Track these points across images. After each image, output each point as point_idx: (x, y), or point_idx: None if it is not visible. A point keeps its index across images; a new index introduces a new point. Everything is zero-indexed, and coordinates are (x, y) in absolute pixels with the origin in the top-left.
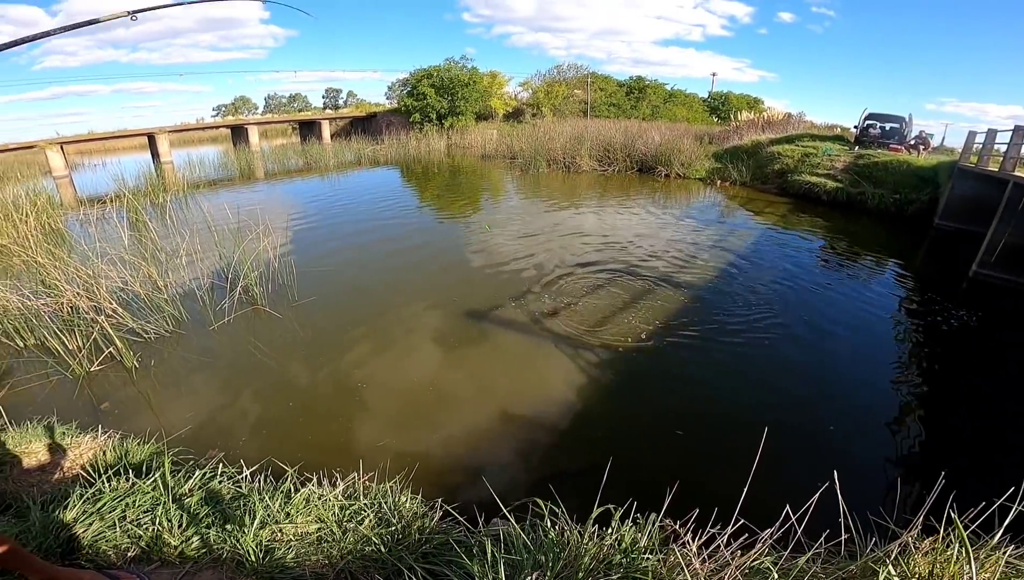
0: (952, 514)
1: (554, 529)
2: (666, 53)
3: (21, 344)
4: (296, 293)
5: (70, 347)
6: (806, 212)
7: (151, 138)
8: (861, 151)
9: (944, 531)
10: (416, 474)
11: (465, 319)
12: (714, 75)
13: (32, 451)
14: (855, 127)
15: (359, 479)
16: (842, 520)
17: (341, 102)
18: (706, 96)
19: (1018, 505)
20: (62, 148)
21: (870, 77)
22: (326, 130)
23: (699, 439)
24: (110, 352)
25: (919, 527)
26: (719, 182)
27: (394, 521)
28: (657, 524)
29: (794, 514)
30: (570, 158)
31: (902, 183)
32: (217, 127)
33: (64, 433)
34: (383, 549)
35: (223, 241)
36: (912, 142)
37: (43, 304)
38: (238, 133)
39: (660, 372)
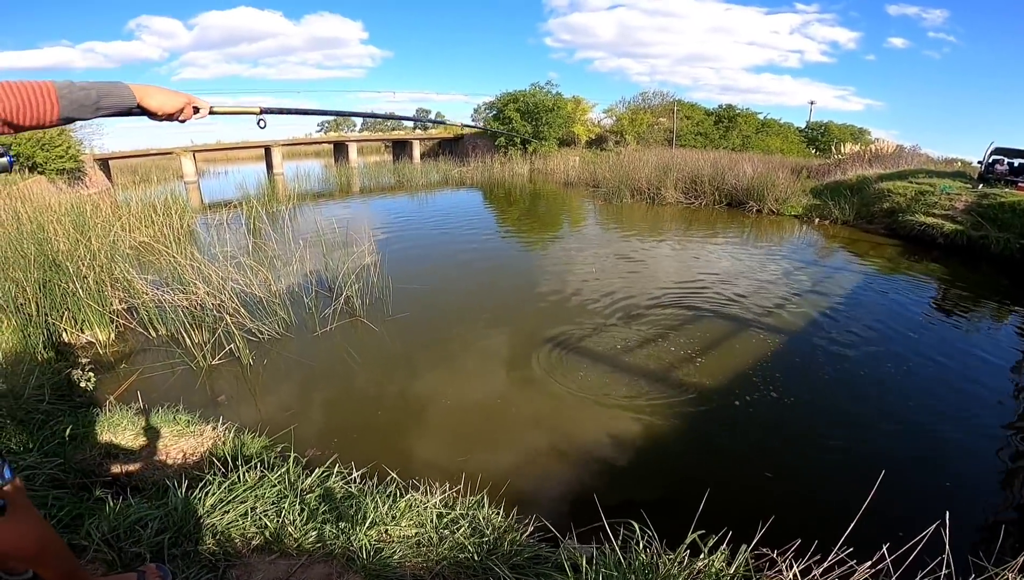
0: None
1: (644, 552)
2: (758, 80)
3: (154, 334)
4: (391, 307)
5: (196, 341)
6: (918, 256)
7: (267, 150)
8: (986, 189)
9: None
10: (500, 490)
11: (543, 345)
12: (812, 103)
13: (163, 436)
14: (979, 162)
15: (452, 490)
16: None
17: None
18: (803, 126)
19: None
20: (194, 155)
21: (995, 107)
22: (416, 150)
23: (793, 482)
24: (230, 349)
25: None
26: (817, 220)
27: (487, 532)
28: (748, 553)
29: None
30: (655, 189)
31: None
32: (322, 142)
33: (189, 421)
34: (476, 557)
35: (329, 252)
36: None
37: (177, 299)
38: (339, 149)
39: (743, 415)
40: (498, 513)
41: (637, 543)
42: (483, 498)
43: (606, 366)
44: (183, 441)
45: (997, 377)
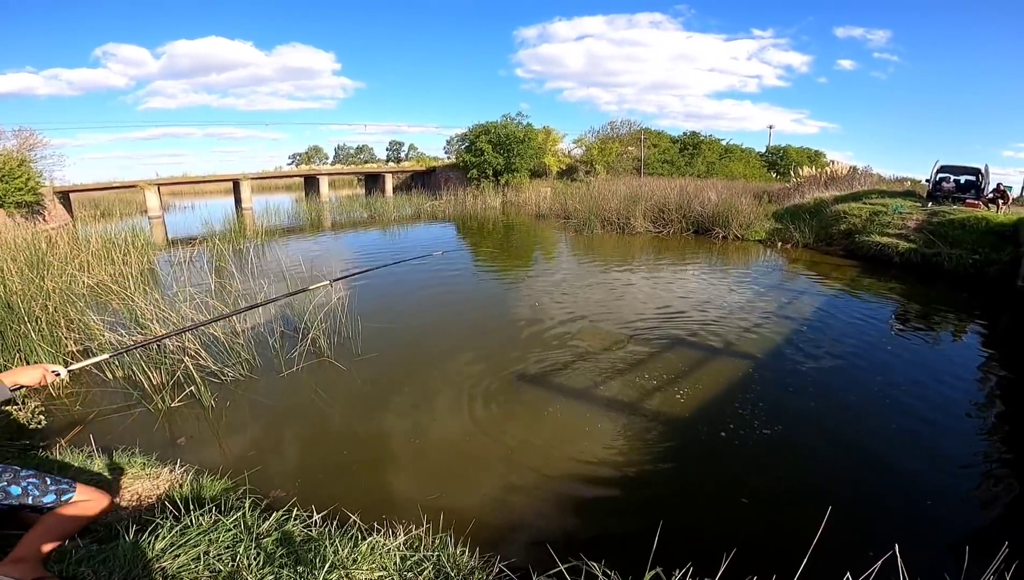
0: None
1: None
2: (720, 106)
3: (111, 376)
4: (359, 347)
5: (155, 383)
6: (877, 276)
7: (236, 184)
8: (935, 207)
9: None
10: (468, 529)
11: (515, 380)
12: (771, 128)
13: (116, 480)
14: (927, 181)
15: (416, 531)
16: None
17: (403, 155)
18: (763, 150)
19: None
20: (159, 189)
21: (940, 125)
22: (389, 183)
23: (760, 510)
24: (191, 391)
25: None
26: (780, 244)
27: (452, 574)
28: None
29: None
30: (624, 219)
31: (981, 242)
32: (292, 176)
33: (144, 464)
34: None
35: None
36: (990, 196)
37: (134, 341)
38: (310, 182)
39: (715, 441)
40: (463, 553)
41: None
42: (448, 538)
43: (579, 399)
44: (137, 483)
45: (962, 392)
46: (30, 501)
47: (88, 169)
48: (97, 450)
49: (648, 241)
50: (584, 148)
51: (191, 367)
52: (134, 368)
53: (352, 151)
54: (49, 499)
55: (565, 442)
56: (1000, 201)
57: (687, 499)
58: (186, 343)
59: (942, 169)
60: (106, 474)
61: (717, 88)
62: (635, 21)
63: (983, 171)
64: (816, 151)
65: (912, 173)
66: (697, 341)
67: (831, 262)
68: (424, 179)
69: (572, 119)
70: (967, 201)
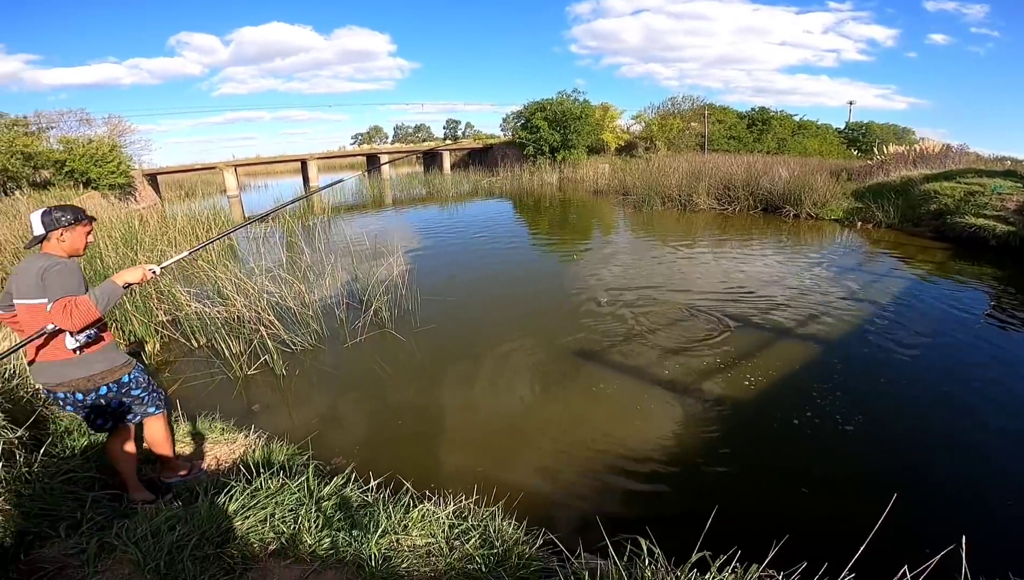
0: None
1: (650, 568)
2: (793, 81)
3: (195, 345)
4: (418, 319)
5: (234, 351)
6: (969, 259)
7: (303, 163)
8: None
9: None
10: (515, 502)
11: (568, 358)
12: (851, 104)
13: (199, 444)
14: None
15: (465, 501)
16: None
17: (460, 133)
18: (842, 127)
19: None
20: (236, 170)
21: None
22: (447, 161)
23: (822, 500)
24: (265, 359)
25: None
26: (859, 224)
27: (497, 544)
28: (758, 573)
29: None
30: (686, 196)
31: None
32: (355, 155)
33: (223, 429)
34: (483, 569)
35: (359, 265)
36: None
37: (217, 311)
38: (372, 161)
39: (781, 429)
40: (510, 525)
41: (643, 560)
42: (496, 510)
43: (634, 378)
44: (216, 448)
45: None
46: (144, 408)
47: (171, 153)
48: (183, 415)
49: (711, 218)
50: (644, 124)
51: (266, 337)
52: (216, 337)
53: (410, 130)
54: (153, 409)
55: (617, 421)
56: None
57: (742, 485)
58: (262, 313)
59: None
60: (190, 439)
61: (789, 62)
62: None
63: None
64: (904, 128)
65: (1015, 152)
66: (765, 323)
67: (917, 244)
68: (481, 156)
69: (631, 95)
70: None
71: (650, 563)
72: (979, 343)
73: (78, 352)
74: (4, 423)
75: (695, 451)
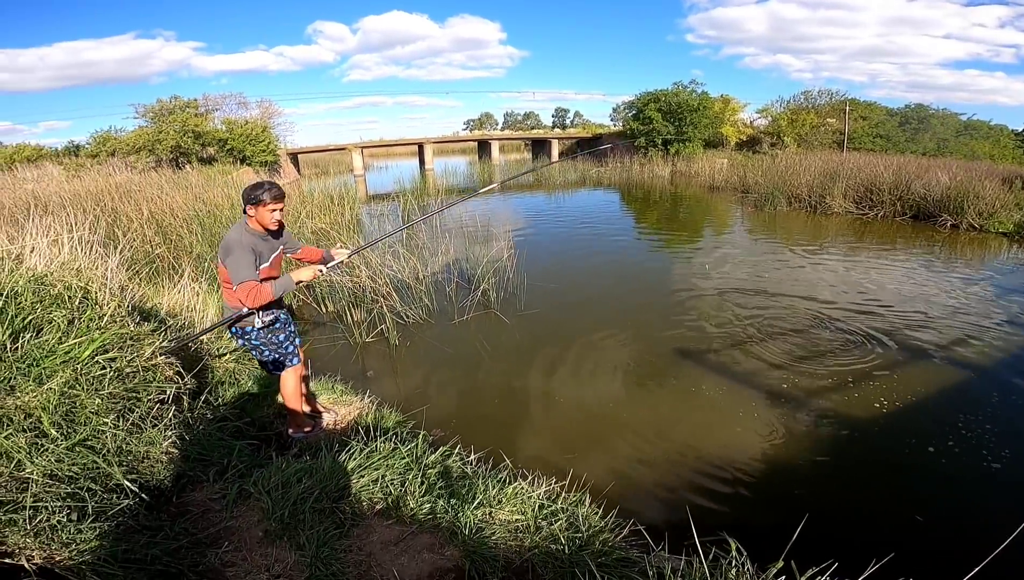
0: None
1: (734, 570)
2: (960, 77)
3: (324, 310)
4: (523, 303)
5: (355, 319)
6: None
7: (420, 147)
8: None
9: None
10: (604, 491)
11: (671, 354)
12: None
13: (322, 402)
14: None
15: (556, 484)
16: None
17: (568, 121)
18: (1020, 129)
19: None
20: (362, 151)
21: None
22: (555, 148)
23: (937, 529)
24: (381, 329)
25: None
26: None
27: (582, 529)
28: None
29: None
30: (818, 197)
31: None
32: (467, 140)
33: (343, 391)
34: (567, 551)
35: (470, 246)
36: None
37: (344, 281)
38: (483, 146)
39: (908, 456)
40: (596, 513)
41: (730, 562)
42: (584, 496)
43: (738, 383)
44: (336, 407)
45: None
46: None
47: (308, 134)
48: (311, 375)
49: (847, 223)
50: (770, 119)
51: (384, 308)
52: (343, 305)
53: (519, 117)
54: (292, 361)
55: (716, 423)
56: None
57: (849, 504)
58: (381, 285)
59: None
60: (316, 396)
61: (955, 56)
62: None
63: None
64: None
65: None
66: (903, 342)
67: None
68: (589, 146)
69: (755, 88)
70: None
71: (736, 565)
72: None
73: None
74: (178, 370)
75: (799, 466)
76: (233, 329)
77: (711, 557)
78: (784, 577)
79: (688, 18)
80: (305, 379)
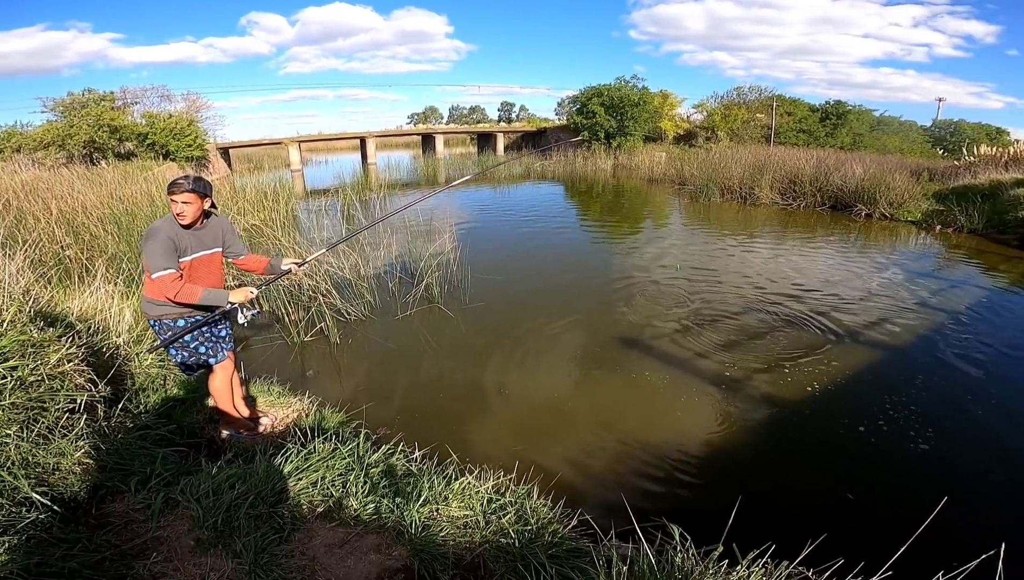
0: None
1: (680, 556)
2: (876, 75)
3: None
4: (468, 297)
5: (293, 318)
6: None
7: (362, 141)
8: None
9: None
10: (551, 483)
11: (612, 344)
12: (941, 100)
13: (257, 405)
14: None
15: (504, 478)
16: None
17: (514, 115)
18: (928, 125)
19: None
20: (299, 145)
21: None
22: (500, 142)
23: (866, 507)
24: (321, 327)
25: None
26: (938, 227)
27: (531, 521)
28: (788, 570)
29: None
30: (747, 188)
31: None
32: (411, 134)
33: (280, 393)
34: (517, 544)
35: (413, 240)
36: None
37: (280, 280)
38: (427, 141)
39: (836, 437)
40: (545, 504)
41: (674, 547)
42: (532, 488)
43: (679, 370)
44: (273, 410)
45: None
46: (208, 360)
47: (241, 129)
48: (244, 377)
49: (773, 213)
50: (705, 113)
51: (323, 305)
52: (277, 303)
53: (465, 111)
54: (217, 358)
55: (659, 410)
56: None
57: (785, 485)
58: (320, 282)
59: None
60: (251, 399)
61: (872, 55)
62: None
63: None
64: (998, 128)
65: None
66: (829, 324)
67: (1001, 252)
68: (534, 140)
69: (692, 84)
70: None
71: (680, 551)
72: None
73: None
74: (90, 377)
75: (738, 449)
76: (154, 323)
77: (657, 544)
78: (727, 561)
79: (632, 14)
80: (243, 382)
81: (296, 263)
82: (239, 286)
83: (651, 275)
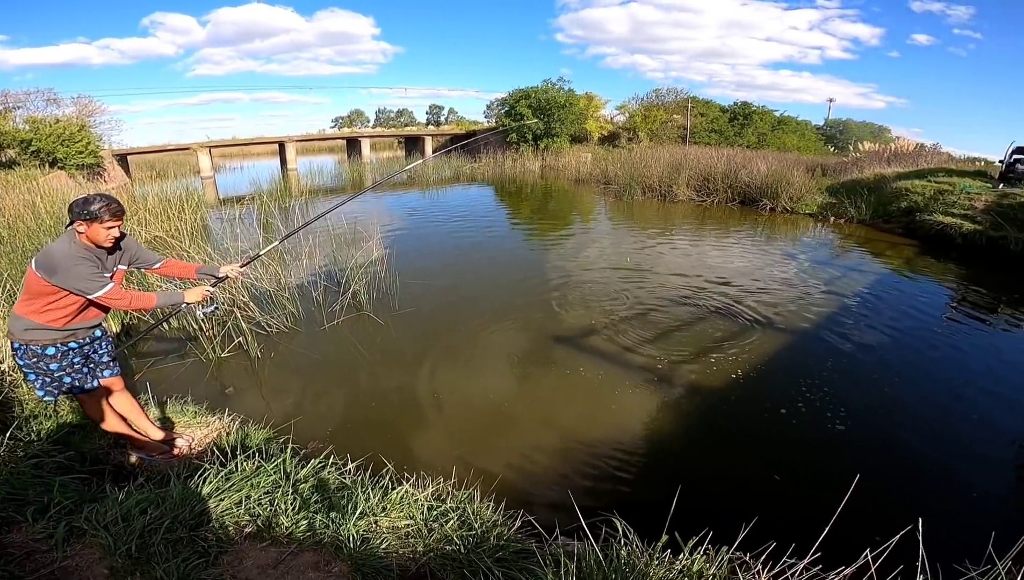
0: None
1: (625, 549)
2: (775, 77)
3: (167, 327)
4: (398, 303)
5: (207, 334)
6: (936, 257)
7: (281, 146)
8: (1006, 189)
9: None
10: (493, 485)
11: (546, 342)
12: (831, 101)
13: (170, 428)
14: (1000, 162)
15: (445, 484)
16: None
17: (443, 118)
18: (821, 124)
19: None
20: (210, 151)
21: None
22: (428, 145)
23: (792, 486)
24: (239, 342)
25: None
26: (832, 219)
27: (475, 526)
28: (728, 555)
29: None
30: (666, 186)
31: None
32: (335, 138)
33: (196, 412)
34: (462, 550)
35: (338, 248)
36: None
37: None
38: (352, 145)
39: (750, 414)
40: (488, 507)
41: (619, 541)
42: (475, 492)
43: (612, 364)
44: (189, 431)
45: (1015, 384)
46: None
47: (144, 134)
48: (153, 398)
49: (690, 209)
50: (627, 115)
51: (240, 319)
52: (188, 319)
53: (392, 114)
54: (87, 386)
55: (594, 406)
56: None
57: (717, 473)
58: (236, 295)
59: (1018, 150)
60: (162, 421)
61: (773, 58)
62: None
63: None
64: (880, 126)
65: (986, 153)
66: (745, 313)
67: (887, 240)
68: (463, 142)
69: (615, 86)
70: None
71: (625, 544)
72: (943, 340)
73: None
74: None
75: (674, 439)
76: (19, 346)
77: (602, 539)
78: (670, 551)
79: (559, 18)
80: (157, 403)
81: (236, 267)
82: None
83: (581, 273)
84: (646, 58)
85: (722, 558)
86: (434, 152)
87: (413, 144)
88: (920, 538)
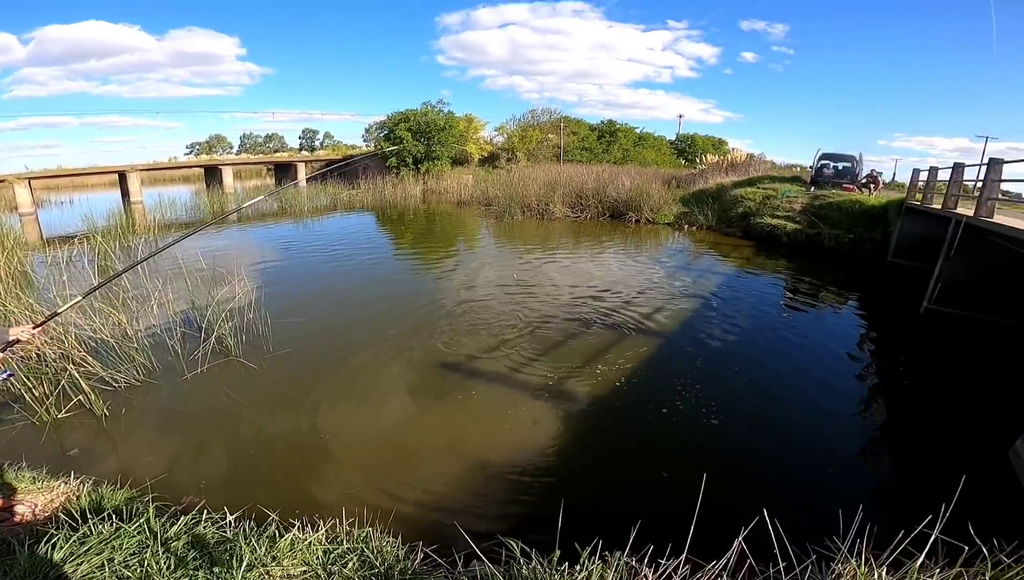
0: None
1: (526, 568)
2: (636, 95)
3: None
4: (271, 344)
5: (37, 394)
6: (769, 254)
7: (122, 176)
8: (817, 192)
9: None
10: (391, 519)
11: (437, 369)
12: (680, 117)
13: (7, 496)
14: (810, 167)
15: (340, 524)
16: (777, 552)
17: (317, 143)
18: (673, 138)
19: (937, 532)
20: (29, 183)
21: (827, 114)
22: (302, 172)
23: (678, 484)
24: (79, 400)
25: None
26: (686, 226)
27: (377, 564)
28: (622, 560)
29: (751, 548)
30: (543, 205)
31: (855, 223)
32: (190, 166)
33: (34, 478)
34: None
35: (196, 289)
36: (863, 181)
37: (9, 351)
38: (212, 173)
39: (635, 417)
40: (388, 543)
41: (518, 560)
42: (373, 531)
43: (501, 383)
44: (30, 497)
45: (837, 362)
46: None
47: None
48: None
49: (567, 226)
50: (505, 136)
51: (76, 375)
52: (12, 380)
53: (260, 140)
54: None
55: (489, 428)
56: (871, 186)
57: (610, 477)
58: (69, 349)
59: (823, 156)
60: (9, 489)
61: (634, 77)
62: (558, 9)
63: (858, 158)
64: (720, 139)
65: (801, 160)
66: (623, 320)
67: (730, 242)
68: (341, 168)
69: (494, 107)
70: (844, 185)
71: (525, 563)
72: (784, 323)
73: None
74: None
75: (566, 450)
76: None
77: (502, 562)
78: (567, 563)
79: (441, 40)
80: None
81: (30, 329)
82: None
83: (469, 295)
84: (523, 79)
85: (619, 561)
86: (308, 179)
87: (284, 171)
88: (771, 528)
